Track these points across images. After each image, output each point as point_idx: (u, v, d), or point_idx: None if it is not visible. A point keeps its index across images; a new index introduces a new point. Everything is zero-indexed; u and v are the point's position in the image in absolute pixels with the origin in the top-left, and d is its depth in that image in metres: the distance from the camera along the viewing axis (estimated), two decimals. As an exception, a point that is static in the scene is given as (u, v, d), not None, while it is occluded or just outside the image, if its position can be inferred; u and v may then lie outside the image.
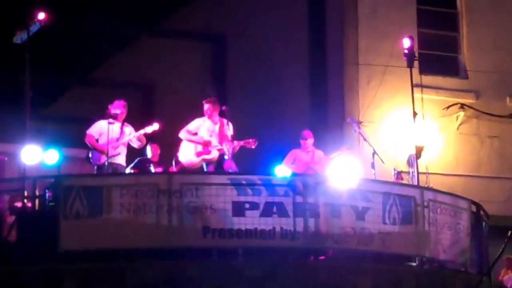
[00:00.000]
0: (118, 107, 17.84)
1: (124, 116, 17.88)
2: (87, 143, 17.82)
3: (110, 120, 17.72)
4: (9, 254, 15.37)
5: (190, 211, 15.40)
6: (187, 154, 18.15)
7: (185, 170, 18.10)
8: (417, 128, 19.74)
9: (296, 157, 18.75)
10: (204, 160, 18.01)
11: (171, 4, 29.62)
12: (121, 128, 17.82)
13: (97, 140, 17.71)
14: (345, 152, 18.80)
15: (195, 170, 18.04)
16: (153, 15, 29.83)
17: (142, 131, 17.99)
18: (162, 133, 18.81)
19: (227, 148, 17.95)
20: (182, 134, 18.23)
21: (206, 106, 18.25)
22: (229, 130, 18.10)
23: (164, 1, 29.35)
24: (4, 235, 15.68)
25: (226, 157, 17.99)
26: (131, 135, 17.91)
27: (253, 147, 17.94)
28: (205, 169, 17.98)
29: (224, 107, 18.40)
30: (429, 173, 21.32)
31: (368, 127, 21.95)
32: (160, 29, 30.77)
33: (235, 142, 18.04)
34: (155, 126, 18.15)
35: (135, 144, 17.92)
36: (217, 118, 18.16)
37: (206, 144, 18.01)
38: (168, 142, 19.19)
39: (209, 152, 17.99)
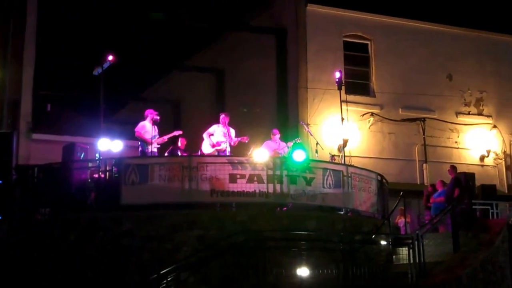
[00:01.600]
0: (157, 115, 18.42)
1: (158, 121, 18.41)
2: (137, 137, 18.35)
3: (151, 122, 18.21)
4: (90, 206, 16.38)
5: (202, 179, 16.07)
6: (206, 147, 18.81)
7: (199, 155, 18.41)
8: (344, 128, 20.91)
9: (268, 145, 18.88)
10: (216, 150, 18.58)
11: (192, 49, 30.32)
12: (156, 129, 18.31)
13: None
14: (299, 142, 19.20)
15: (207, 154, 18.48)
16: (181, 56, 30.59)
17: (169, 135, 18.79)
18: (187, 132, 19.57)
19: (232, 143, 18.68)
20: (205, 135, 18.84)
21: (221, 116, 18.97)
22: (232, 132, 18.84)
23: (187, 47, 29.91)
24: (87, 194, 16.58)
25: (229, 148, 18.63)
26: (162, 138, 18.55)
27: (246, 141, 18.83)
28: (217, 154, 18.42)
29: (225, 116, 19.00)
30: (351, 156, 22.87)
31: (313, 127, 22.99)
32: (185, 65, 31.32)
33: (235, 139, 18.79)
34: (175, 133, 18.99)
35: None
36: (226, 124, 18.80)
37: (215, 145, 18.57)
38: (190, 138, 19.80)
39: (219, 145, 18.58)
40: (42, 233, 15.73)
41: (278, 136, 19.35)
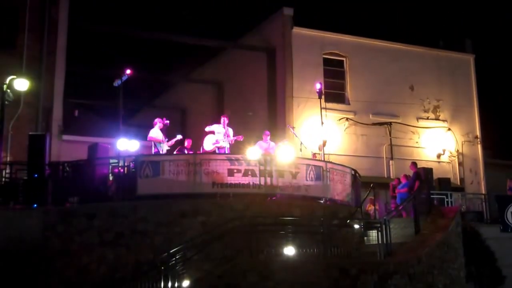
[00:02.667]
0: (166, 119, 18.57)
1: (168, 125, 18.56)
2: (150, 140, 18.46)
3: (161, 126, 18.37)
4: (111, 196, 16.29)
5: (205, 173, 16.03)
6: (207, 144, 18.80)
7: (202, 153, 18.42)
8: (323, 130, 20.73)
9: (260, 145, 18.80)
10: (216, 147, 18.56)
11: (196, 64, 30.24)
12: (164, 134, 18.39)
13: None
14: (286, 143, 19.45)
15: (209, 152, 18.45)
16: (187, 70, 30.57)
17: (174, 140, 18.66)
18: (192, 135, 19.70)
19: (229, 141, 18.63)
20: (207, 129, 18.78)
21: (222, 119, 18.94)
22: (231, 131, 18.85)
23: (192, 62, 29.87)
24: (108, 186, 16.57)
25: (228, 145, 18.60)
26: (170, 142, 18.50)
27: (241, 140, 18.73)
28: (217, 152, 18.38)
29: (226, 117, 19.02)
30: (329, 154, 23.06)
31: (298, 129, 22.73)
32: (190, 78, 31.32)
33: (233, 138, 18.74)
34: (178, 137, 18.76)
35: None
36: (225, 124, 18.78)
37: (215, 143, 18.53)
38: (195, 139, 19.72)
39: (218, 143, 18.59)
40: (70, 219, 15.57)
41: (268, 137, 19.23)
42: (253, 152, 16.98)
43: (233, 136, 18.84)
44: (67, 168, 16.64)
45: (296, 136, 20.72)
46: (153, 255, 14.71)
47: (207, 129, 18.74)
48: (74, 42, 21.71)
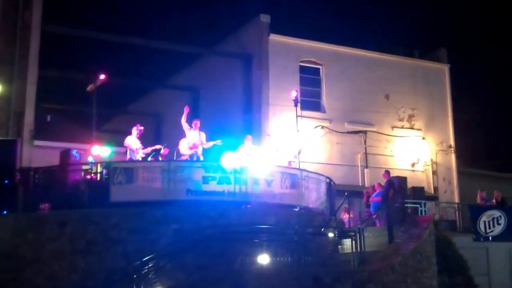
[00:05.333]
0: (141, 126, 18.36)
1: (142, 131, 18.35)
2: (125, 147, 18.19)
3: (137, 135, 18.14)
4: (83, 203, 15.97)
5: (179, 181, 16.00)
6: (183, 148, 18.35)
7: (176, 160, 18.08)
8: (299, 138, 21.06)
9: (243, 150, 18.36)
10: (193, 152, 18.18)
11: (171, 70, 30.27)
12: (140, 140, 18.26)
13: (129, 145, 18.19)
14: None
15: (183, 159, 18.06)
16: (162, 76, 30.56)
17: (150, 148, 18.36)
18: (167, 142, 19.41)
19: (204, 145, 18.29)
20: (185, 125, 18.24)
21: (194, 122, 18.46)
22: (203, 135, 18.38)
23: (167, 68, 29.96)
24: (80, 193, 16.20)
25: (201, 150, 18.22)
26: (146, 149, 18.25)
27: (220, 144, 18.32)
28: (193, 158, 17.98)
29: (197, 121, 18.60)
30: (305, 162, 22.79)
31: (274, 137, 23.20)
32: (165, 84, 31.30)
33: (210, 142, 18.31)
34: (157, 146, 18.55)
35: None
36: (198, 128, 18.35)
37: (192, 147, 18.21)
38: (170, 146, 19.16)
39: (196, 147, 18.20)
40: (41, 226, 15.44)
41: (250, 141, 19.05)
42: (228, 160, 16.80)
43: (207, 140, 18.59)
44: (39, 174, 16.49)
45: (272, 144, 20.53)
46: (125, 263, 14.56)
47: (183, 122, 18.32)
48: (47, 46, 21.52)
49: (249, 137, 19.21)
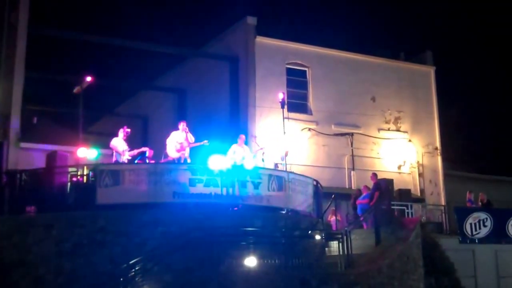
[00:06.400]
0: (127, 128, 18.35)
1: (129, 133, 18.34)
2: (112, 149, 18.20)
3: (124, 137, 18.12)
4: (69, 205, 16.05)
5: (166, 183, 16.01)
6: (171, 151, 18.26)
7: (163, 162, 18.10)
8: (286, 140, 20.95)
9: (235, 149, 18.46)
10: (181, 155, 18.09)
11: (158, 71, 30.28)
12: (127, 142, 18.24)
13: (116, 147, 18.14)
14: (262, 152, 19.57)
15: (169, 161, 18.01)
16: (148, 77, 30.63)
17: (136, 151, 18.33)
18: (154, 143, 19.58)
19: (190, 146, 18.19)
20: (168, 141, 18.18)
21: (182, 125, 18.43)
22: (190, 136, 18.31)
23: (153, 70, 30.03)
24: (66, 195, 16.34)
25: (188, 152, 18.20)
26: (132, 151, 18.19)
27: (207, 144, 18.27)
28: (181, 161, 17.88)
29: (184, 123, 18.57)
30: (292, 164, 22.76)
31: (261, 138, 23.08)
32: (152, 85, 31.32)
33: (197, 143, 18.30)
34: (143, 149, 18.49)
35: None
36: (185, 130, 18.30)
37: (180, 150, 18.08)
38: (157, 148, 19.46)
39: (184, 149, 18.11)
40: (27, 229, 15.34)
41: (243, 141, 19.01)
42: (215, 162, 16.74)
43: (194, 140, 18.49)
44: (25, 177, 16.44)
45: (258, 145, 20.67)
46: (112, 266, 14.53)
47: (169, 141, 18.35)
48: (33, 48, 21.43)
49: (243, 136, 19.12)
